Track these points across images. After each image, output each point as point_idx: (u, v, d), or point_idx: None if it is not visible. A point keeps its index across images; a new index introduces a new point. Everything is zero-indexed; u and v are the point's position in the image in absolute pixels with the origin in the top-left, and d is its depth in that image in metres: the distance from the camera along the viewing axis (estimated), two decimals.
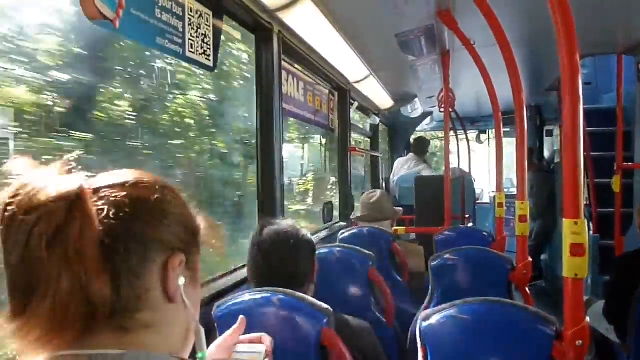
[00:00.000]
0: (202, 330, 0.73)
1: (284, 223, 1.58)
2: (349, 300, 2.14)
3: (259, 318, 1.30)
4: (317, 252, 1.63)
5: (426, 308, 2.05)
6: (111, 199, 0.63)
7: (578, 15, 2.71)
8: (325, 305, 1.30)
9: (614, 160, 3.86)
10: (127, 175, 0.68)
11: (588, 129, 4.60)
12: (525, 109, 2.32)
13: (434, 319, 1.36)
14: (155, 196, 0.68)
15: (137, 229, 0.64)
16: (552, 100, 5.40)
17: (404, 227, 4.30)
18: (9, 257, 0.59)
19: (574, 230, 1.17)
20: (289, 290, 1.36)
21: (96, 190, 0.63)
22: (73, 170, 0.65)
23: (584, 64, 5.13)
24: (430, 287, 2.19)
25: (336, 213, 4.19)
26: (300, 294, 1.34)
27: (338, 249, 2.26)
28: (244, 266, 2.14)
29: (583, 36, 3.19)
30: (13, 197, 0.59)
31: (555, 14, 1.21)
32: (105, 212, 0.61)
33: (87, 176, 0.65)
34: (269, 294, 1.35)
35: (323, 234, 3.57)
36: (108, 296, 0.60)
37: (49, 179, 0.61)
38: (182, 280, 0.68)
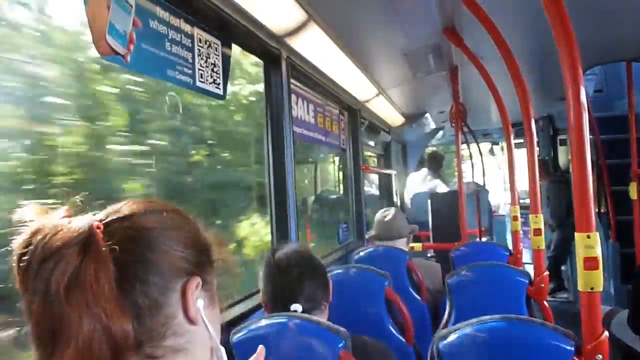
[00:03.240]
0: (223, 350, 0.74)
1: (296, 244, 1.60)
2: (367, 322, 2.13)
3: (276, 344, 1.30)
4: (333, 273, 1.64)
5: (444, 326, 2.04)
6: (122, 233, 0.63)
7: (584, 25, 2.74)
8: (341, 329, 1.31)
9: (629, 167, 3.82)
10: (134, 206, 0.68)
11: (601, 136, 4.57)
12: (534, 120, 2.33)
13: (450, 338, 1.36)
14: (166, 223, 0.68)
15: (151, 260, 0.64)
16: (564, 109, 5.37)
17: (420, 244, 4.29)
18: (30, 307, 0.60)
19: (587, 244, 1.17)
20: (305, 315, 1.36)
21: (106, 226, 0.64)
22: (80, 211, 0.66)
23: (594, 72, 5.12)
24: (448, 305, 2.17)
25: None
26: (316, 318, 1.35)
27: (354, 269, 2.26)
28: (258, 291, 2.16)
29: (590, 45, 3.22)
30: (26, 246, 0.60)
31: (555, 28, 1.23)
32: (118, 248, 0.62)
33: (93, 214, 0.66)
34: (285, 319, 1.36)
35: (338, 254, 3.57)
36: (130, 332, 0.61)
37: (59, 224, 0.62)
38: (200, 303, 0.69)
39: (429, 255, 4.59)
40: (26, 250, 0.60)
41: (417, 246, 4.07)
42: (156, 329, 0.64)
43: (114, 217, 0.66)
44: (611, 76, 5.20)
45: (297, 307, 1.44)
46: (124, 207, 0.68)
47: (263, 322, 1.38)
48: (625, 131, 4.08)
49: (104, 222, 0.65)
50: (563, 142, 6.37)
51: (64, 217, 0.64)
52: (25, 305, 0.61)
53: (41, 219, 0.63)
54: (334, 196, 5.40)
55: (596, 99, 5.27)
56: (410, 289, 2.67)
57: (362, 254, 2.86)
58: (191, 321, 0.68)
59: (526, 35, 2.98)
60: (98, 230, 0.62)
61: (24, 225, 0.63)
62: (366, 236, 4.09)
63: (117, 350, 0.60)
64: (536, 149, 2.44)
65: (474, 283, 2.17)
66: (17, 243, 0.62)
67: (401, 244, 3.00)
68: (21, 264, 0.60)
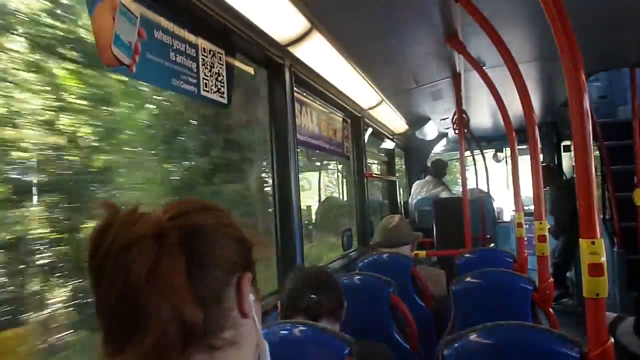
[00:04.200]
0: (267, 345, 0.77)
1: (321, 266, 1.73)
2: (371, 328, 2.13)
3: (282, 350, 1.31)
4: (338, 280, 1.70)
5: (449, 333, 2.03)
6: (188, 227, 0.66)
7: (588, 31, 2.75)
8: (346, 336, 1.31)
9: (634, 173, 3.81)
10: (190, 205, 0.71)
11: (606, 142, 4.57)
12: (537, 126, 2.33)
13: (456, 345, 1.36)
14: (219, 221, 0.71)
15: (211, 254, 0.67)
16: (567, 115, 5.36)
17: (425, 251, 4.28)
18: (106, 296, 0.62)
19: (592, 250, 1.17)
20: (310, 322, 1.37)
21: (171, 221, 0.66)
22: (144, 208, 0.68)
23: (598, 78, 5.12)
24: (452, 312, 2.17)
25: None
26: (322, 325, 1.35)
27: (358, 277, 2.26)
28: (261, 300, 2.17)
29: (594, 51, 3.23)
30: (102, 237, 0.63)
31: (558, 35, 1.23)
32: (186, 241, 0.64)
33: (157, 211, 0.68)
34: (290, 326, 1.36)
35: (343, 261, 3.57)
36: (200, 321, 0.63)
37: (131, 217, 0.64)
38: (252, 298, 0.72)
39: (433, 261, 4.57)
40: (102, 240, 0.62)
41: (422, 253, 4.06)
42: (217, 321, 0.66)
43: (176, 212, 0.68)
44: (615, 82, 5.20)
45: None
46: (181, 206, 0.70)
47: (268, 329, 1.38)
48: (629, 137, 4.08)
49: (168, 217, 0.67)
50: (567, 149, 6.35)
51: (133, 212, 0.66)
52: (100, 295, 0.63)
53: (113, 212, 0.65)
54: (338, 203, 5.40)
55: (600, 105, 5.27)
56: (415, 295, 2.66)
57: (366, 261, 2.86)
58: (244, 315, 0.70)
59: (529, 42, 2.99)
60: (168, 224, 0.65)
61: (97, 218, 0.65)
62: (370, 243, 4.10)
63: (188, 338, 0.63)
64: (540, 155, 2.44)
65: (478, 290, 2.16)
66: (91, 233, 0.64)
67: (405, 250, 2.99)
68: (97, 254, 0.62)
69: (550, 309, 2.16)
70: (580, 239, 1.21)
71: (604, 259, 1.18)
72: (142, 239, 0.62)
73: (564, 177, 6.24)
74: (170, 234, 0.63)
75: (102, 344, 0.63)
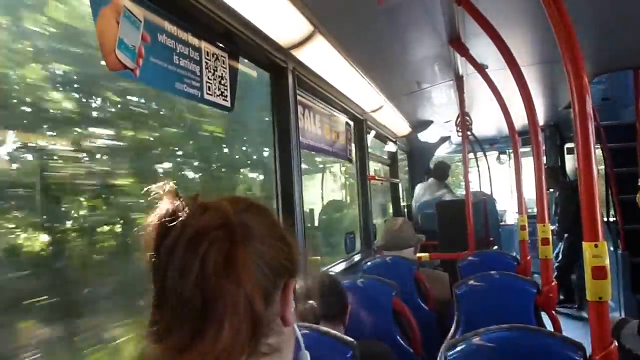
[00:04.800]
0: (308, 356, 0.74)
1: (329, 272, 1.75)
2: (374, 331, 2.13)
3: None
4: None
5: (452, 336, 2.03)
6: (251, 223, 0.64)
7: (591, 33, 2.74)
8: (349, 339, 1.31)
9: (637, 175, 3.81)
10: (241, 200, 0.69)
11: (609, 145, 4.56)
12: (540, 128, 2.33)
13: (458, 348, 1.36)
14: (270, 219, 0.69)
15: (264, 252, 0.65)
16: (570, 117, 5.36)
17: (428, 254, 4.27)
18: (177, 286, 0.59)
19: (595, 253, 1.17)
20: (313, 325, 1.37)
21: (235, 214, 0.64)
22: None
23: (601, 80, 5.11)
24: (455, 315, 2.17)
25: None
26: (325, 329, 1.36)
27: (361, 279, 2.27)
28: None
29: (597, 53, 3.23)
30: (169, 222, 0.61)
31: (560, 39, 1.24)
32: (252, 235, 0.63)
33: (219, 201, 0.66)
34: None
35: (346, 264, 3.57)
36: (264, 315, 0.61)
37: (199, 206, 0.63)
38: (293, 306, 0.69)
39: (436, 264, 4.57)
40: (168, 228, 0.60)
41: (425, 256, 4.06)
42: (266, 325, 0.64)
43: (237, 208, 0.66)
44: (619, 84, 5.19)
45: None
46: (234, 202, 0.67)
47: None
48: (633, 139, 4.07)
49: (233, 211, 0.65)
50: (570, 151, 6.34)
51: (193, 199, 0.64)
52: (167, 284, 0.60)
53: (174, 199, 0.63)
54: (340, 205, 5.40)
55: (604, 107, 5.26)
56: (418, 298, 2.67)
57: (369, 263, 2.86)
58: (286, 322, 0.68)
59: (531, 45, 2.99)
60: (234, 218, 0.63)
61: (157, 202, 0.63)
62: (374, 246, 4.09)
63: (254, 334, 0.60)
64: (543, 157, 2.44)
65: (481, 292, 2.16)
66: (154, 218, 0.62)
67: (408, 253, 3.00)
68: (163, 242, 0.60)
69: (554, 312, 2.15)
70: (583, 242, 1.21)
71: (607, 261, 1.18)
72: (214, 229, 0.60)
73: (567, 179, 6.23)
74: (237, 227, 0.62)
75: (161, 337, 0.60)
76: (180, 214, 0.62)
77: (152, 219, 0.62)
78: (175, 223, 0.61)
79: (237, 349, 0.58)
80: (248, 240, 0.62)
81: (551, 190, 5.84)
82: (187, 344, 0.58)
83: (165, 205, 0.63)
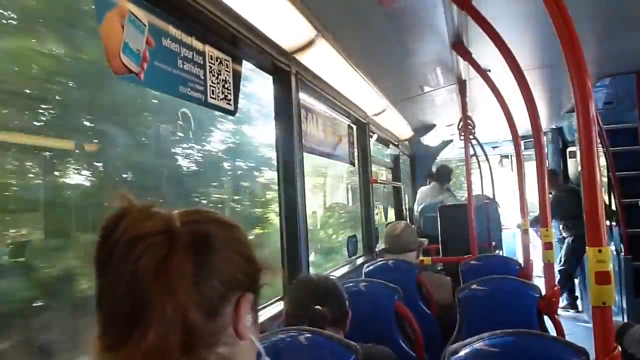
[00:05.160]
0: None
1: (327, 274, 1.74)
2: (377, 335, 2.12)
3: (287, 358, 1.31)
4: (343, 286, 1.72)
5: (455, 340, 2.03)
6: (199, 233, 0.65)
7: (593, 37, 2.74)
8: (352, 343, 1.31)
9: None
10: (206, 213, 0.70)
11: (611, 148, 4.56)
12: (543, 132, 2.34)
13: (461, 353, 1.36)
14: (232, 235, 0.70)
15: (218, 265, 0.66)
16: (573, 121, 5.38)
17: (430, 258, 4.27)
18: (111, 288, 0.61)
19: (599, 259, 1.17)
20: (316, 329, 1.37)
21: (184, 225, 0.65)
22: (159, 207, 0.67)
23: (604, 84, 5.12)
24: (458, 319, 2.17)
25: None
26: (328, 333, 1.36)
27: (363, 283, 2.26)
28: (264, 307, 2.18)
29: (600, 57, 3.23)
30: (114, 227, 0.62)
31: (563, 43, 1.24)
32: (195, 246, 0.64)
33: (171, 211, 0.67)
34: (296, 333, 1.36)
35: (348, 267, 3.57)
36: (201, 326, 0.62)
37: (145, 212, 0.64)
38: (249, 319, 0.70)
39: (438, 268, 4.56)
40: (113, 230, 0.62)
41: (427, 260, 4.05)
42: (213, 334, 0.65)
43: (189, 218, 0.67)
44: (622, 88, 5.19)
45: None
46: (196, 214, 0.69)
47: (274, 335, 1.39)
48: (635, 143, 4.07)
49: (181, 220, 0.66)
50: (573, 155, 6.34)
51: (147, 207, 0.66)
52: (104, 285, 0.62)
53: (128, 205, 0.65)
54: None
55: (607, 111, 5.26)
56: (420, 302, 2.66)
57: (371, 267, 2.86)
58: (240, 336, 0.69)
59: (534, 49, 2.99)
60: (180, 225, 0.64)
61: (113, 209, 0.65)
62: (376, 250, 4.09)
63: (187, 342, 0.61)
64: (546, 161, 2.44)
65: (484, 297, 2.16)
66: (104, 223, 0.64)
67: (411, 257, 3.00)
68: (107, 244, 0.62)
69: (557, 317, 2.15)
70: (587, 247, 1.20)
71: (610, 267, 1.17)
72: (153, 234, 0.62)
73: (570, 183, 6.22)
74: (181, 235, 0.63)
75: (100, 336, 0.62)
76: (124, 219, 0.63)
77: (102, 224, 0.65)
78: (117, 227, 0.63)
79: (163, 355, 0.60)
80: (194, 250, 0.64)
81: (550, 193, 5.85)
82: (116, 346, 0.61)
83: (113, 211, 0.65)
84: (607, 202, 4.74)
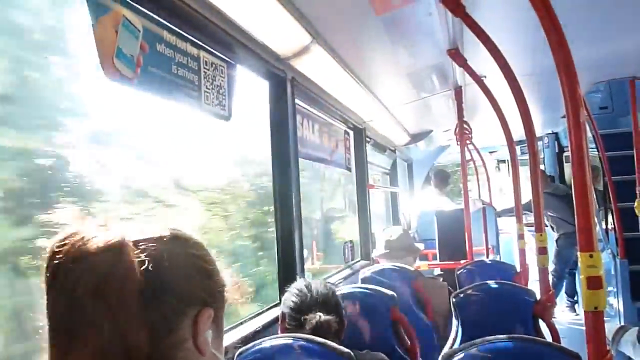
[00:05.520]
0: None
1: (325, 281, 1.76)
2: (372, 341, 2.12)
3: None
4: (339, 293, 1.71)
5: (451, 346, 2.03)
6: (150, 252, 0.66)
7: (587, 44, 2.76)
8: (345, 350, 1.31)
9: (635, 183, 3.82)
10: (163, 230, 0.71)
11: (607, 153, 4.57)
12: (539, 137, 2.35)
13: (457, 358, 1.36)
14: (190, 251, 0.71)
15: (173, 282, 0.67)
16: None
17: (426, 263, 4.27)
18: (55, 304, 0.63)
19: (590, 264, 1.17)
20: (310, 336, 1.37)
21: (136, 243, 0.66)
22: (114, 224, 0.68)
23: (599, 89, 5.14)
24: (454, 324, 2.17)
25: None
26: (322, 340, 1.35)
27: (360, 289, 2.26)
28: (261, 313, 2.17)
29: (593, 63, 3.24)
30: (61, 246, 0.64)
31: (554, 50, 1.24)
32: (145, 264, 0.64)
33: (126, 229, 0.68)
34: (290, 340, 1.36)
35: (344, 273, 3.56)
36: (145, 345, 0.63)
37: (94, 231, 0.65)
38: (209, 334, 0.71)
39: (435, 273, 4.56)
40: (60, 249, 0.64)
41: (423, 265, 4.05)
42: (168, 350, 0.66)
43: (145, 236, 0.68)
44: (616, 93, 5.21)
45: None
46: (154, 229, 0.70)
47: (269, 343, 1.38)
48: (630, 147, 4.08)
49: (134, 238, 0.67)
50: (568, 159, 6.36)
51: (99, 226, 0.67)
52: (49, 302, 0.64)
53: (79, 224, 0.67)
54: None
55: (601, 115, 5.28)
56: (416, 308, 2.66)
57: (368, 273, 2.86)
58: (199, 351, 0.69)
59: (529, 56, 3.00)
60: (130, 243, 0.65)
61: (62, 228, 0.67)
62: (372, 255, 4.09)
63: (132, 356, 0.62)
64: (541, 166, 2.45)
65: (480, 302, 2.16)
66: (52, 242, 0.65)
67: (407, 262, 3.00)
68: (52, 262, 0.64)
69: (552, 321, 2.15)
70: (578, 252, 1.21)
71: (602, 271, 1.18)
72: (96, 253, 0.62)
73: (566, 185, 6.23)
74: (128, 253, 0.64)
75: (49, 347, 0.64)
76: (73, 238, 0.65)
77: (50, 243, 0.66)
78: (64, 246, 0.64)
79: None
80: (144, 267, 0.64)
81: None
82: (60, 357, 0.63)
83: (65, 230, 0.66)
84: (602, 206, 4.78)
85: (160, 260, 0.66)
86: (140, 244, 0.66)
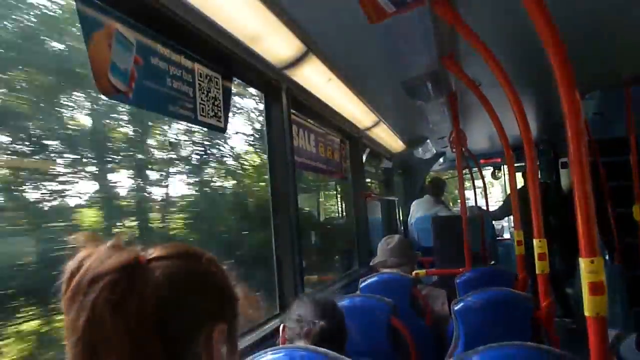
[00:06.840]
0: None
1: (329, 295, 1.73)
2: (372, 350, 2.11)
3: None
4: (339, 303, 1.70)
5: (451, 354, 2.02)
6: (165, 269, 0.67)
7: (582, 53, 2.76)
8: (344, 358, 1.30)
9: (631, 189, 3.82)
10: (178, 247, 0.72)
11: (602, 159, 4.58)
12: (535, 144, 2.35)
13: None
14: (204, 268, 0.72)
15: (187, 298, 0.68)
16: (565, 133, 5.39)
17: (425, 270, 4.25)
18: (75, 324, 0.63)
19: (591, 269, 1.16)
20: (310, 346, 1.36)
21: (150, 261, 0.67)
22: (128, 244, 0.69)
23: (593, 96, 5.16)
24: (454, 332, 2.15)
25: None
26: (323, 350, 1.34)
27: (359, 298, 2.25)
28: (263, 324, 2.16)
29: (588, 71, 3.25)
30: (77, 268, 0.65)
31: (552, 57, 1.24)
32: (160, 281, 0.65)
33: (140, 248, 0.70)
34: (293, 350, 1.35)
35: (343, 281, 3.55)
36: (167, 356, 0.64)
37: (109, 251, 0.66)
38: (224, 349, 0.71)
39: (433, 280, 4.54)
40: (76, 271, 0.65)
41: (422, 272, 4.04)
42: None
43: (159, 254, 0.69)
44: (611, 99, 5.23)
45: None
46: (169, 247, 0.71)
47: (269, 355, 1.37)
48: (626, 153, 4.09)
49: (149, 257, 0.68)
50: (565, 165, 6.37)
51: (113, 246, 0.68)
52: (69, 323, 0.64)
53: (93, 245, 0.68)
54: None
55: (596, 121, 5.30)
56: (415, 315, 2.65)
57: (367, 281, 2.85)
58: None
59: (524, 62, 3.01)
60: (145, 262, 0.67)
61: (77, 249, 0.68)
62: (370, 263, 4.07)
63: None
64: (538, 173, 2.45)
65: (479, 309, 2.15)
66: (68, 264, 0.66)
67: (405, 270, 2.99)
68: (70, 284, 0.64)
69: (552, 328, 2.14)
70: (580, 258, 1.20)
71: (603, 277, 1.17)
72: (112, 272, 0.63)
73: (562, 193, 6.24)
74: (143, 272, 0.65)
75: None
76: (89, 259, 0.66)
77: (66, 265, 0.67)
78: (81, 266, 0.65)
79: None
80: (159, 285, 0.65)
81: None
82: None
83: (79, 252, 0.67)
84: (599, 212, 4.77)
85: (175, 278, 0.67)
86: (156, 262, 0.67)
